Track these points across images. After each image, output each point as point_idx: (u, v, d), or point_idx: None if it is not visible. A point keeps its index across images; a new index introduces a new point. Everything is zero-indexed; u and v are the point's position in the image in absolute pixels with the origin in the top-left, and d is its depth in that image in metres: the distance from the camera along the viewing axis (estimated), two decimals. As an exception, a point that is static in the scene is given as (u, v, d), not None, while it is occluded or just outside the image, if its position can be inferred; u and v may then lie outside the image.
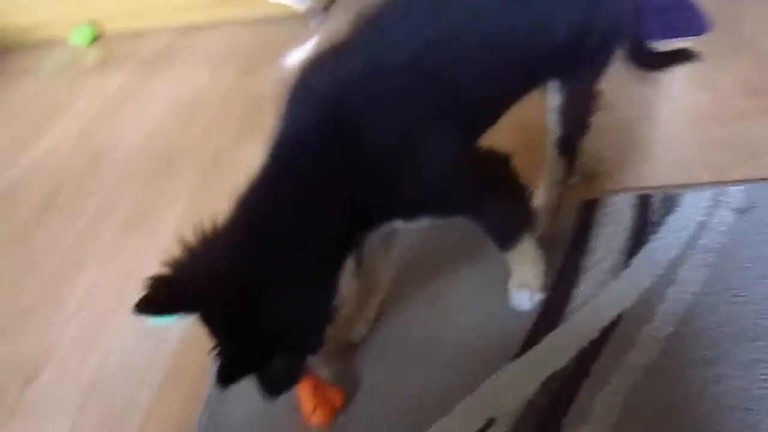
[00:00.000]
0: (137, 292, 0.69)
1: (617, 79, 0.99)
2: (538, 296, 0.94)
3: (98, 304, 1.14)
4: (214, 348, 0.69)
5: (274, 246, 0.71)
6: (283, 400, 0.75)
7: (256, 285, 0.69)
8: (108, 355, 1.04)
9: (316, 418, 0.83)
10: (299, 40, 1.72)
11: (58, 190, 1.46)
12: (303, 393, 0.84)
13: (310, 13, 1.78)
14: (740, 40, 1.45)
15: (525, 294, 0.94)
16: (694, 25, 1.56)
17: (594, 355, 0.87)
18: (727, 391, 0.79)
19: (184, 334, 1.03)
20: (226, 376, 0.67)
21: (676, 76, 1.35)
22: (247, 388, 0.71)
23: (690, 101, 1.31)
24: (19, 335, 1.12)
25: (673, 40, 1.38)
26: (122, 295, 1.13)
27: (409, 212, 0.80)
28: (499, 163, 0.85)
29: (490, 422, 0.81)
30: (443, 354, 0.91)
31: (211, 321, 0.70)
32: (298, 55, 1.69)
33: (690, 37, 1.47)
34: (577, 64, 0.89)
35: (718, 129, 1.22)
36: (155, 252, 1.18)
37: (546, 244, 0.96)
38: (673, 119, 1.27)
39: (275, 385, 0.72)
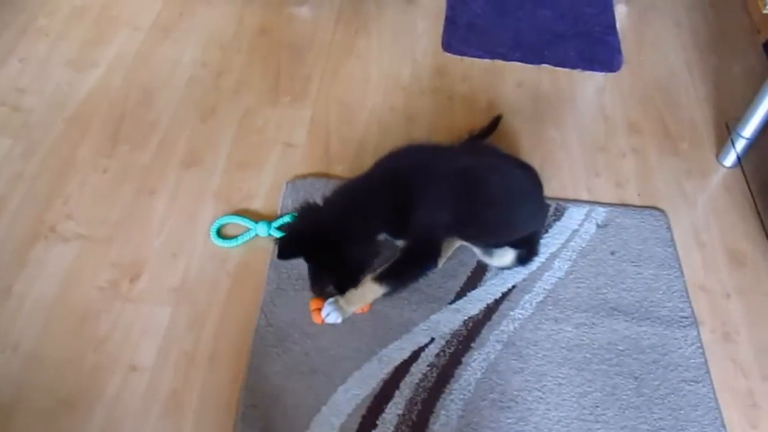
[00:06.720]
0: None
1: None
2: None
3: (173, 228, 1.63)
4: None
5: (351, 222, 1.35)
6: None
7: (336, 237, 1.33)
8: (187, 269, 1.57)
9: (316, 319, 1.43)
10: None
11: (120, 121, 1.88)
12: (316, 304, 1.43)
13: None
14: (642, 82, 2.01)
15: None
16: (614, 60, 2.09)
17: (497, 305, 1.50)
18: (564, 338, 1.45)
19: (240, 257, 1.57)
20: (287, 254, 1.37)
21: (591, 106, 1.92)
22: (292, 302, 1.35)
23: (592, 134, 1.88)
24: (119, 242, 1.61)
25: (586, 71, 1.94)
26: (192, 223, 1.64)
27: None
28: None
29: (432, 340, 1.44)
30: (411, 295, 1.51)
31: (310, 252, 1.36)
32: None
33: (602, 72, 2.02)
34: None
35: (603, 161, 1.81)
36: (210, 190, 1.69)
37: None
38: (582, 149, 1.85)
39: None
